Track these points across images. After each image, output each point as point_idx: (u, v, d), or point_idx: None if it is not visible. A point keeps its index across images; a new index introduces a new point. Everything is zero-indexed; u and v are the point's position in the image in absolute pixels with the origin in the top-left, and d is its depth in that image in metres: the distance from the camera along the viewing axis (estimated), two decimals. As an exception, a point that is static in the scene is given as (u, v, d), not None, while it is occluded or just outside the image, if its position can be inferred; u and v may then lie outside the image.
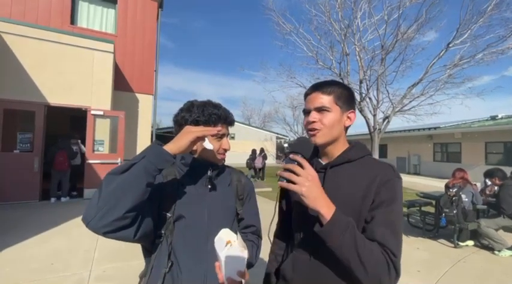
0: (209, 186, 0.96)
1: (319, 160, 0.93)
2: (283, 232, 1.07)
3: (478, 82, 8.63)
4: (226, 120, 0.96)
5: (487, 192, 4.38)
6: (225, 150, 0.97)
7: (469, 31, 7.54)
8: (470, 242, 4.13)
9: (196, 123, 0.90)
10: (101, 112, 6.65)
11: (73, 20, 8.08)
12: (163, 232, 0.88)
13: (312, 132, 0.86)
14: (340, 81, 8.58)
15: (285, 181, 0.74)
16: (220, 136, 0.94)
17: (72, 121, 9.02)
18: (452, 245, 4.08)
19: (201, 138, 0.83)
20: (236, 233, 0.81)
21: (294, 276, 0.89)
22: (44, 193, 6.12)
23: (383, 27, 8.39)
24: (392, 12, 8.20)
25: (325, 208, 0.72)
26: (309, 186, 0.71)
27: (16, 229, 4.06)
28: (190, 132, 0.81)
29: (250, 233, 1.06)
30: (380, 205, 0.78)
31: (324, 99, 0.85)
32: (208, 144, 0.89)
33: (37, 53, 6.12)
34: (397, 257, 0.73)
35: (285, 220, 1.04)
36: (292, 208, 0.97)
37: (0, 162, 5.61)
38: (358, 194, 0.81)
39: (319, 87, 0.88)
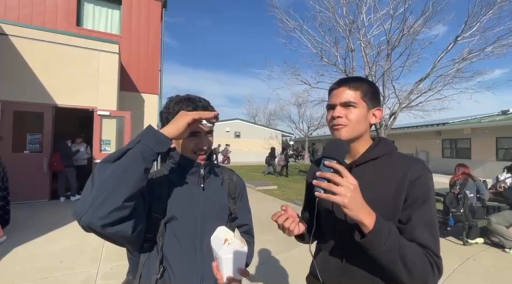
0: (202, 185, 0.94)
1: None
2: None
3: (488, 76, 8.37)
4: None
5: (498, 188, 4.28)
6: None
7: (478, 23, 7.35)
8: (480, 240, 4.04)
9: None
10: (107, 113, 6.73)
11: (79, 21, 8.19)
12: (153, 235, 0.83)
13: (336, 127, 0.84)
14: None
15: (322, 191, 0.68)
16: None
17: (79, 122, 9.15)
18: (461, 242, 4.00)
19: (198, 121, 0.80)
20: (233, 231, 0.79)
21: (326, 277, 0.87)
22: (54, 192, 6.25)
23: (388, 21, 8.24)
24: (398, 6, 8.04)
25: (368, 218, 0.68)
26: (351, 197, 0.66)
27: (26, 228, 4.16)
28: (187, 115, 0.77)
29: (243, 233, 1.04)
30: (414, 204, 0.75)
31: (351, 95, 0.84)
32: (206, 123, 0.87)
33: (44, 55, 6.22)
34: (439, 258, 0.72)
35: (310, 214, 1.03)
36: (320, 210, 0.92)
37: (10, 162, 5.70)
38: (389, 193, 0.78)
39: (345, 82, 0.87)
